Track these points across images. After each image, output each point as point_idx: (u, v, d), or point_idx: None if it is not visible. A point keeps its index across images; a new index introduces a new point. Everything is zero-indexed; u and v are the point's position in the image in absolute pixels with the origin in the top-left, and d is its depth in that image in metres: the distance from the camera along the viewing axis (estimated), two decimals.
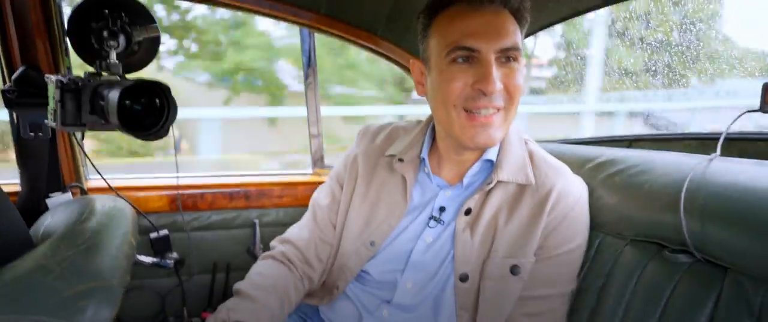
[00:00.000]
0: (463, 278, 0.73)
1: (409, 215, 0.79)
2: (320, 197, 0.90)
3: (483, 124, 0.68)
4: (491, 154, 0.76)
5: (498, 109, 0.69)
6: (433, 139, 0.82)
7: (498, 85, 0.66)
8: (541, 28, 1.14)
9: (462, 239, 0.74)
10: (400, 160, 0.80)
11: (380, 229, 0.79)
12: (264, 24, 4.06)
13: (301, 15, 1.21)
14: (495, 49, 0.66)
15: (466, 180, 0.77)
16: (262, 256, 0.87)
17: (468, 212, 0.74)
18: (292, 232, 0.89)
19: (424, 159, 0.80)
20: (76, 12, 0.91)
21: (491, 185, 0.74)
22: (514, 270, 0.72)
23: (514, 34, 0.68)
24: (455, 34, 0.67)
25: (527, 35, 1.21)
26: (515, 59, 0.69)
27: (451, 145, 0.76)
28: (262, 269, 0.82)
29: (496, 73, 0.66)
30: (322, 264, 0.86)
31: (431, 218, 0.78)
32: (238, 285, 0.77)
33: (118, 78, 0.86)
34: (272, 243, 0.89)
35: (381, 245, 0.80)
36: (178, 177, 1.26)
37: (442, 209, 0.78)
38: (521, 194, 0.74)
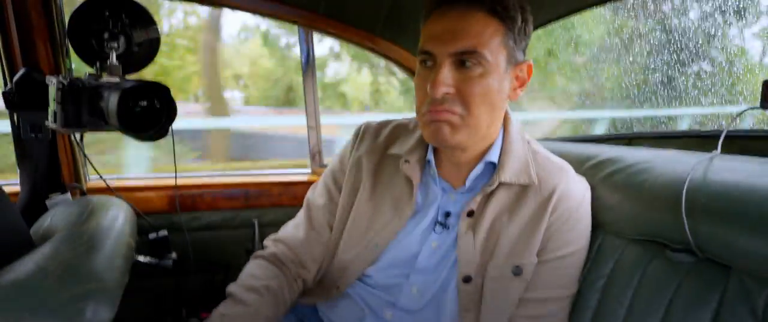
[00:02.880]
0: (467, 280, 0.73)
1: (414, 217, 0.78)
2: (315, 197, 0.88)
3: (437, 121, 0.69)
4: (493, 155, 0.75)
5: (453, 113, 0.68)
6: None
7: (443, 89, 0.66)
8: (539, 27, 1.14)
9: (465, 241, 0.73)
10: (406, 161, 0.79)
11: (385, 231, 0.78)
12: None
13: (300, 15, 1.21)
14: (448, 52, 0.66)
15: (468, 182, 0.76)
16: (253, 256, 0.85)
17: (470, 213, 0.74)
18: (287, 231, 0.87)
19: (430, 161, 0.78)
20: (77, 13, 0.91)
21: (493, 187, 0.73)
22: (516, 271, 0.71)
23: (478, 37, 0.65)
24: (422, 39, 0.70)
25: None
26: (479, 65, 0.66)
27: None
28: (253, 270, 0.81)
29: (446, 76, 0.66)
30: (316, 265, 0.85)
31: (437, 222, 0.77)
32: (231, 288, 0.76)
33: (118, 79, 0.86)
34: (265, 242, 0.88)
35: (385, 247, 0.79)
36: (176, 177, 1.26)
37: (447, 214, 0.77)
38: (524, 194, 0.73)
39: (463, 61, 0.66)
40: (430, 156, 0.78)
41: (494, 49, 0.67)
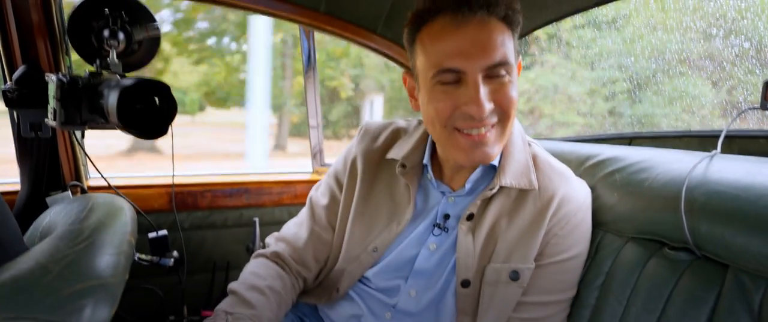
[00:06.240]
0: (465, 284, 0.72)
1: (413, 222, 0.78)
2: (318, 196, 0.88)
3: (477, 143, 0.66)
4: (493, 159, 0.74)
5: (491, 126, 0.66)
6: (434, 143, 0.80)
7: (487, 106, 0.63)
8: (542, 26, 1.14)
9: (464, 244, 0.73)
10: (403, 165, 0.78)
11: (383, 235, 0.78)
12: None
13: (302, 14, 1.21)
14: (481, 67, 0.62)
15: (468, 185, 0.75)
16: (254, 254, 0.85)
17: (470, 217, 0.73)
18: (289, 229, 0.87)
19: (426, 166, 0.78)
20: (77, 11, 0.92)
21: (493, 191, 0.72)
22: (513, 276, 0.70)
23: (503, 46, 0.63)
24: (439, 54, 0.64)
25: (528, 33, 1.21)
26: (507, 73, 0.64)
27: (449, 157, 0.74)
28: (255, 268, 0.80)
29: (483, 91, 0.62)
30: (318, 264, 0.85)
31: (435, 225, 0.76)
32: (233, 286, 0.75)
33: (118, 77, 0.87)
34: (267, 240, 0.87)
35: (384, 251, 0.78)
36: (173, 176, 1.26)
37: (446, 217, 0.76)
38: (523, 198, 0.73)
39: (495, 73, 0.64)
40: (427, 161, 0.77)
41: (513, 54, 0.66)
